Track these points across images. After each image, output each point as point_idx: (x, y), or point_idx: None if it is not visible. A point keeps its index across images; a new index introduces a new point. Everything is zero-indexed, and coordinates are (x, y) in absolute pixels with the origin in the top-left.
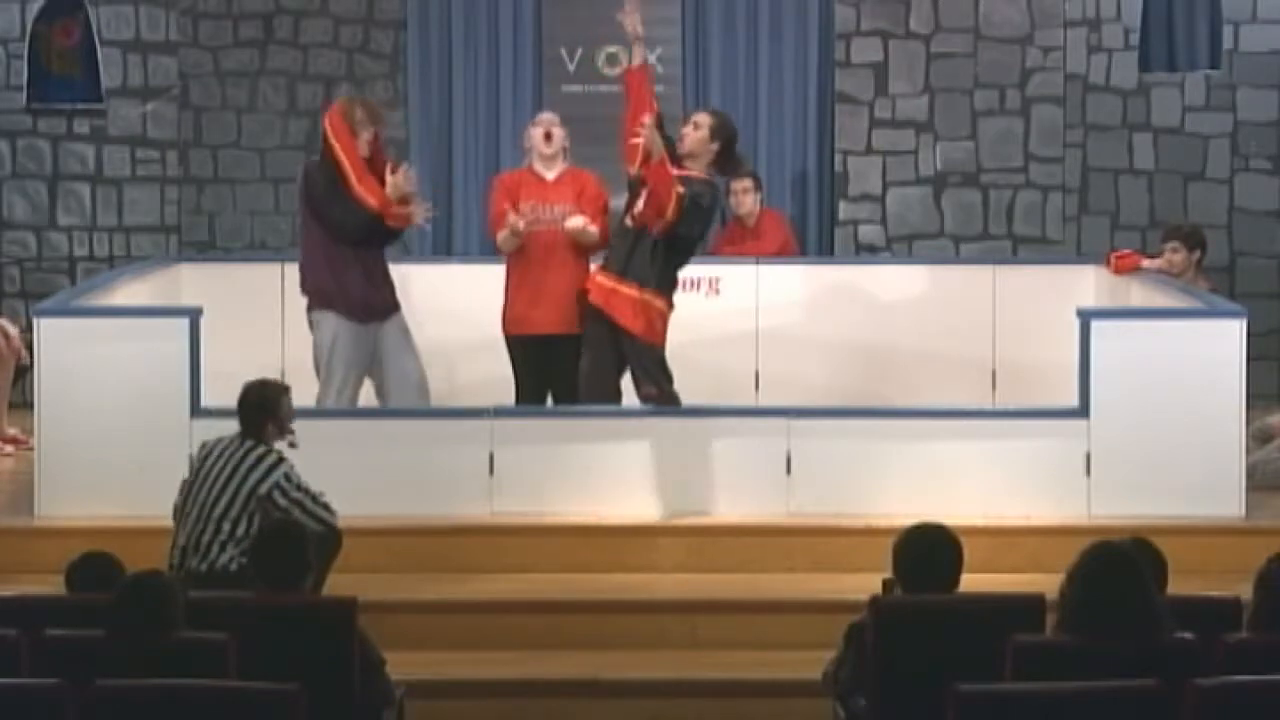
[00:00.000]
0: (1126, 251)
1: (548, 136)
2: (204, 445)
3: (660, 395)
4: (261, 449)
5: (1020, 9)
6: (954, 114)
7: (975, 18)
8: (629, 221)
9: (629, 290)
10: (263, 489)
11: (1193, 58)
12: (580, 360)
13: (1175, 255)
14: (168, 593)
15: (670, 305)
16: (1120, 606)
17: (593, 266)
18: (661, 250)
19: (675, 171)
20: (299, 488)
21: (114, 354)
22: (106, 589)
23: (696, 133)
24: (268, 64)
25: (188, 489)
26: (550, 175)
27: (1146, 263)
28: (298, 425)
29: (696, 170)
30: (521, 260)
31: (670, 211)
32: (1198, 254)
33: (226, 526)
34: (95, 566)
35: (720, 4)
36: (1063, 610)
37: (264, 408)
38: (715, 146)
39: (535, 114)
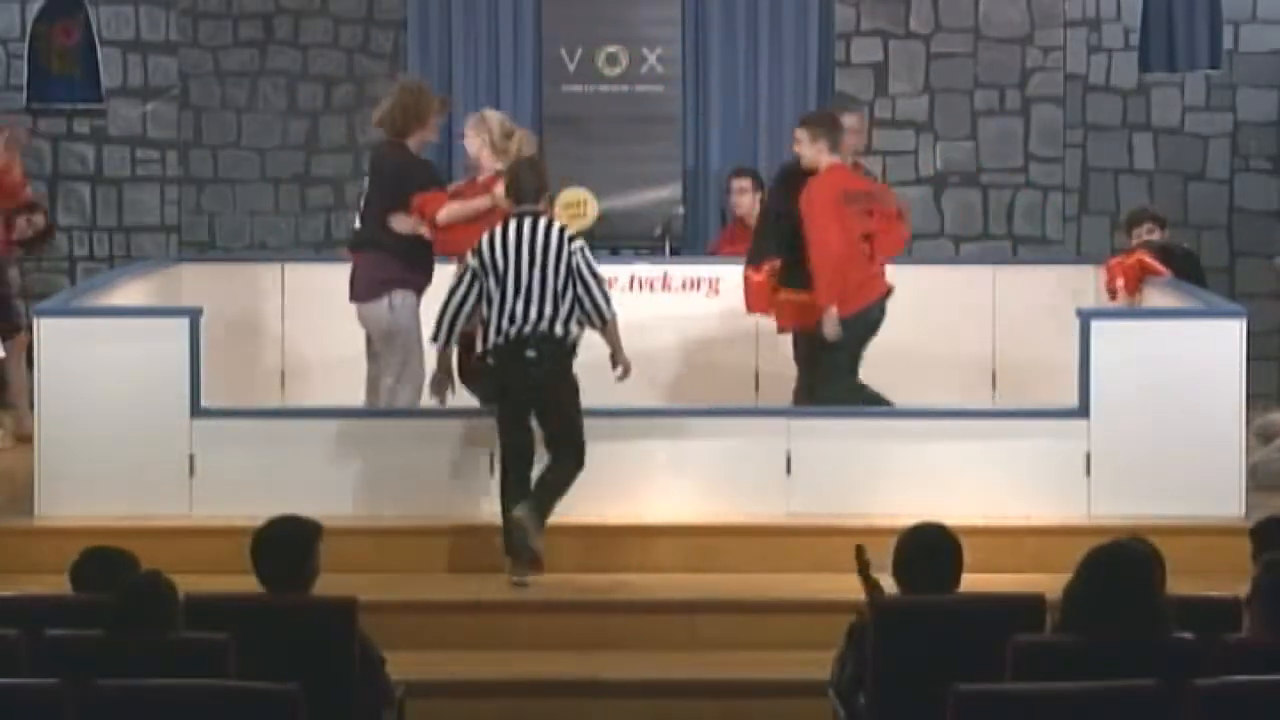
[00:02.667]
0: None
1: None
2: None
3: None
4: (556, 225)
5: (1020, 9)
6: (954, 114)
7: (975, 18)
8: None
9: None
10: (574, 262)
11: (1193, 58)
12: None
13: (1152, 235)
14: (168, 593)
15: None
16: (1123, 606)
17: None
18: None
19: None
20: (591, 267)
21: (114, 354)
22: (115, 585)
23: (807, 147)
24: (268, 64)
25: (497, 266)
26: None
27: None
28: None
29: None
30: None
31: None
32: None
33: (566, 299)
34: (107, 563)
35: (720, 4)
36: (1064, 609)
37: (540, 185)
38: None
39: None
